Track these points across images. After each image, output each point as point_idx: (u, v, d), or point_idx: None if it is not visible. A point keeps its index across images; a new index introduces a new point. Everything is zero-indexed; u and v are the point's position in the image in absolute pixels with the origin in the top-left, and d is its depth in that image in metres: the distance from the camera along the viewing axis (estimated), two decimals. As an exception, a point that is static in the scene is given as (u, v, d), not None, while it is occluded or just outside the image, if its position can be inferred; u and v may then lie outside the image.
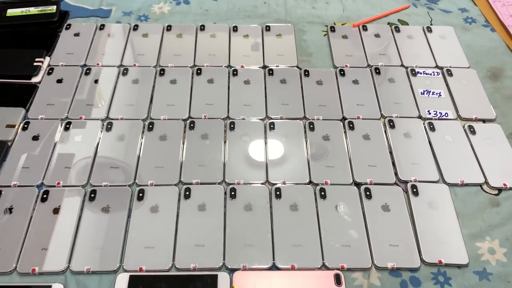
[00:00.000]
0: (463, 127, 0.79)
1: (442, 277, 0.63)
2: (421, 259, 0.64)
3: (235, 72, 0.87)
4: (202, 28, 0.95)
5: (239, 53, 0.91)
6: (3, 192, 0.68)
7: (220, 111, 0.80)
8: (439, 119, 0.81)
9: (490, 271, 0.63)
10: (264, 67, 0.88)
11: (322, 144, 0.75)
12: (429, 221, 0.67)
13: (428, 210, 0.69)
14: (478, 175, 0.73)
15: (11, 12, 0.95)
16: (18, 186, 0.70)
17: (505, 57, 0.93)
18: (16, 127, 0.76)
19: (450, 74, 0.88)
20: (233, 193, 0.69)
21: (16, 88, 0.83)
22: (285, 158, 0.74)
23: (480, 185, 0.72)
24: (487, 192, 0.72)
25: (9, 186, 0.69)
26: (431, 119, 0.80)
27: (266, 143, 0.76)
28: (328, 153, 0.75)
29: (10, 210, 0.67)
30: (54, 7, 0.96)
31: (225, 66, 0.88)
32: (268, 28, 0.96)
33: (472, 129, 0.79)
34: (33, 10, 0.95)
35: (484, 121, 0.81)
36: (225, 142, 0.76)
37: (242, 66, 0.88)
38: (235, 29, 0.95)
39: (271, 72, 0.87)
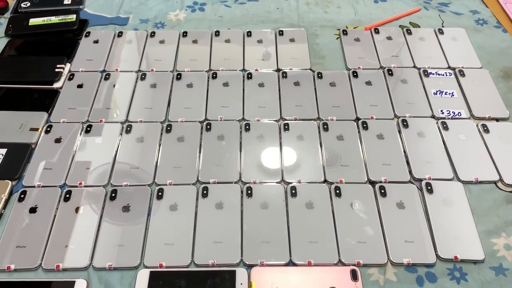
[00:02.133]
0: (477, 126, 0.80)
1: (458, 272, 0.63)
2: (437, 255, 0.64)
3: (249, 76, 0.88)
4: (217, 33, 0.97)
5: (253, 57, 0.93)
6: (27, 192, 0.71)
7: (235, 113, 0.82)
8: (452, 118, 0.81)
9: (506, 267, 0.64)
10: (278, 70, 0.90)
11: (335, 149, 0.76)
12: (444, 218, 0.68)
13: (443, 207, 0.69)
14: (493, 172, 0.73)
15: (33, 21, 0.99)
16: (42, 186, 0.72)
17: (517, 57, 0.93)
18: (39, 130, 0.79)
19: (463, 75, 0.88)
20: (249, 191, 0.71)
21: (39, 93, 0.86)
22: (299, 158, 0.76)
23: (495, 182, 0.73)
24: (501, 189, 0.72)
25: (33, 187, 0.72)
26: (444, 118, 0.81)
27: (280, 143, 0.78)
28: (341, 158, 0.76)
29: (35, 209, 0.69)
30: (74, 16, 0.99)
31: (239, 70, 0.90)
32: (281, 33, 0.98)
33: (485, 128, 0.79)
34: (54, 19, 0.99)
35: (497, 119, 0.82)
36: (240, 143, 0.78)
37: (256, 70, 0.90)
38: (249, 34, 0.97)
39: (284, 75, 0.89)
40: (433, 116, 0.82)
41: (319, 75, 0.89)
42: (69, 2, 1.04)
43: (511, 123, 0.81)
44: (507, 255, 0.65)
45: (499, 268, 0.63)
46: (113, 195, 0.70)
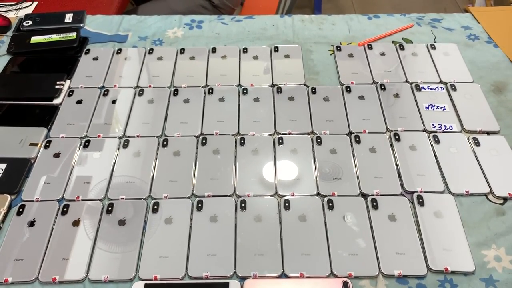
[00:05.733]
0: (468, 139, 0.81)
1: (448, 284, 0.64)
2: (428, 267, 0.65)
3: (245, 91, 0.90)
4: (214, 50, 1.00)
5: (249, 73, 0.95)
6: (26, 206, 0.72)
7: (230, 128, 0.84)
8: (443, 132, 0.83)
9: (496, 278, 0.64)
10: (273, 85, 0.92)
11: (335, 163, 0.78)
12: (435, 230, 0.69)
13: (434, 219, 0.70)
14: (483, 185, 0.75)
15: (35, 39, 1.01)
16: (40, 200, 0.73)
17: (508, 71, 0.95)
18: (38, 145, 0.81)
19: (454, 89, 0.90)
20: (243, 205, 0.72)
21: (39, 109, 0.88)
22: (293, 171, 0.77)
23: (485, 194, 0.74)
24: (492, 202, 0.73)
25: (32, 201, 0.73)
26: (436, 132, 0.83)
27: (275, 157, 0.79)
28: (342, 173, 0.77)
29: (33, 223, 0.70)
30: (75, 33, 1.02)
31: (235, 86, 0.92)
32: (276, 49, 1.00)
33: (476, 141, 0.80)
34: (55, 37, 1.01)
35: (488, 133, 0.83)
36: (235, 157, 0.79)
37: (251, 85, 0.92)
38: (245, 50, 1.00)
39: (279, 90, 0.91)
40: (424, 130, 0.83)
41: (313, 90, 0.91)
42: (70, 21, 1.07)
43: (501, 136, 0.82)
44: (497, 267, 0.65)
45: (489, 279, 0.64)
46: (110, 208, 0.72)
